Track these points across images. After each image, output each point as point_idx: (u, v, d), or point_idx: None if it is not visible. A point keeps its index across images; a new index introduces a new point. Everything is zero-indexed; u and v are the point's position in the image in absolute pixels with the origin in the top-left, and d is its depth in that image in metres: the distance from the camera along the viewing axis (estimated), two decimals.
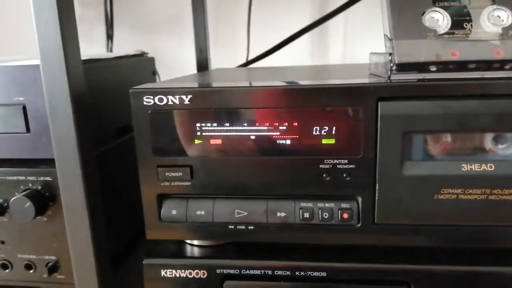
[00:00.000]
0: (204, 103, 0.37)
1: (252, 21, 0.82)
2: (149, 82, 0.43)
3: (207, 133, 0.37)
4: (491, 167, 0.35)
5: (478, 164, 0.35)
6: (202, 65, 0.79)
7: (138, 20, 0.89)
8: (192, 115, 0.37)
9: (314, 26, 0.75)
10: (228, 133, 0.37)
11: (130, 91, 0.38)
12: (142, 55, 0.70)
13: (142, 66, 0.68)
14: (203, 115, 0.37)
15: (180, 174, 0.38)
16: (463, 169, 0.35)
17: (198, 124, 0.37)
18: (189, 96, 0.36)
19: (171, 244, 0.43)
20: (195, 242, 0.43)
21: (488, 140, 0.36)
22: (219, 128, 0.37)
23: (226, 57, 0.87)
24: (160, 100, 0.37)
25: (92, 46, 0.93)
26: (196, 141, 0.38)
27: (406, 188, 0.36)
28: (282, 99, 0.36)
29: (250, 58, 0.81)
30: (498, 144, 0.36)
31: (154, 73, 0.70)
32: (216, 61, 0.84)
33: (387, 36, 0.39)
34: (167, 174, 0.38)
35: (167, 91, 0.37)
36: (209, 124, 0.37)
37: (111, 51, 0.93)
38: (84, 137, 0.40)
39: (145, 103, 0.37)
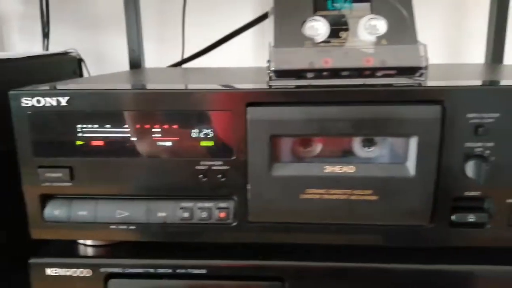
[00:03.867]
0: (81, 105, 0.37)
1: (192, 19, 0.83)
2: None
3: (86, 135, 0.38)
4: (351, 169, 0.37)
5: (340, 166, 0.38)
6: (135, 64, 0.79)
7: (80, 18, 0.89)
8: (70, 116, 0.38)
9: (253, 24, 0.77)
10: (108, 135, 0.38)
11: (9, 93, 0.38)
12: (65, 54, 0.70)
13: (63, 65, 0.68)
14: (82, 117, 0.38)
15: (60, 175, 0.39)
16: (325, 170, 0.38)
17: (77, 126, 0.38)
18: (66, 98, 0.37)
19: (60, 243, 0.44)
20: (87, 241, 0.44)
21: (349, 144, 0.38)
22: (99, 129, 0.38)
23: (168, 54, 0.87)
24: (38, 102, 0.38)
25: (33, 44, 0.91)
26: (76, 142, 0.38)
27: (275, 188, 0.38)
28: (158, 102, 0.38)
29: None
30: (361, 147, 0.38)
31: (75, 72, 0.70)
32: (161, 59, 0.84)
33: (270, 43, 0.41)
34: (47, 175, 0.39)
35: (44, 93, 0.37)
36: (89, 125, 0.38)
37: (47, 49, 0.92)
38: None
39: (23, 104, 0.38)
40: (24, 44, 0.93)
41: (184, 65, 0.83)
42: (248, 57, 0.86)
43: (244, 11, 0.83)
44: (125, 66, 0.79)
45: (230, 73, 0.58)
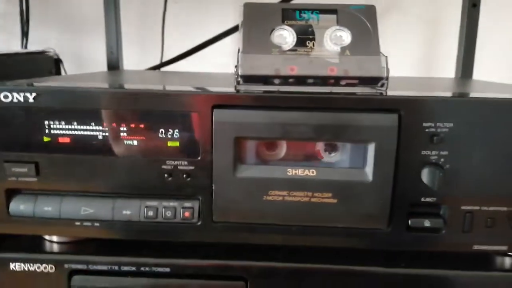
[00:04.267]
0: (48, 102, 0.38)
1: (173, 24, 0.84)
2: None
3: (54, 131, 0.39)
4: (313, 172, 0.39)
5: (302, 169, 0.39)
6: (113, 66, 0.79)
7: (61, 19, 0.89)
8: (37, 113, 0.38)
9: (227, 34, 0.79)
10: (75, 132, 0.39)
11: None
12: (42, 53, 0.70)
13: (39, 64, 0.68)
14: (49, 113, 0.38)
15: (26, 170, 0.39)
16: (288, 173, 0.39)
17: (44, 122, 0.38)
18: (33, 94, 0.38)
19: (25, 239, 0.44)
20: (54, 238, 0.44)
21: (312, 148, 0.40)
22: (66, 126, 0.39)
23: (148, 59, 0.88)
24: (6, 97, 0.38)
25: (12, 43, 0.91)
26: (43, 139, 0.39)
27: (239, 189, 0.39)
28: (126, 102, 0.38)
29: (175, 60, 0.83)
30: (323, 152, 0.40)
31: (51, 71, 0.70)
32: (141, 63, 0.85)
33: (239, 49, 0.42)
34: (13, 169, 0.39)
35: (11, 89, 0.38)
36: (56, 122, 0.39)
37: (25, 47, 0.91)
38: None
39: None
40: (3, 43, 0.93)
41: (163, 69, 0.84)
42: (228, 63, 0.87)
43: (225, 16, 0.85)
44: (104, 68, 0.79)
45: (204, 77, 0.59)
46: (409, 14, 0.84)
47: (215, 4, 0.86)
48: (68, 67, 0.83)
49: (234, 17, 0.85)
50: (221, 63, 0.85)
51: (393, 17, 0.83)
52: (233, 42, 0.82)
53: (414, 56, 0.86)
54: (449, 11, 0.80)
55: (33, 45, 0.87)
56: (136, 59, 0.88)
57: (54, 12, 0.89)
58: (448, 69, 0.79)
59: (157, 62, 0.85)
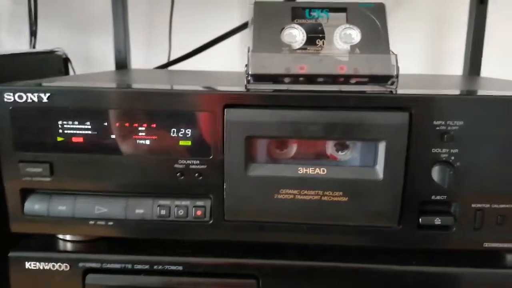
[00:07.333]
0: (62, 102, 0.38)
1: (180, 23, 0.85)
2: None
3: (67, 131, 0.39)
4: (323, 171, 0.39)
5: (313, 168, 0.39)
6: (121, 65, 0.80)
7: (70, 18, 0.89)
8: (51, 112, 0.39)
9: (235, 32, 0.79)
10: (89, 132, 0.39)
11: None
12: (51, 52, 0.71)
13: (48, 63, 0.69)
14: (62, 113, 0.39)
15: (40, 169, 0.40)
16: (299, 172, 0.39)
17: (57, 122, 0.39)
18: (47, 94, 0.38)
19: (40, 238, 0.44)
20: (68, 237, 0.45)
21: (323, 147, 0.40)
22: (79, 126, 0.39)
23: (155, 58, 0.88)
24: (20, 97, 0.38)
25: (21, 42, 0.91)
26: (57, 139, 0.39)
27: (250, 187, 0.39)
28: (138, 101, 0.39)
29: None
30: (333, 150, 0.40)
31: (60, 71, 0.71)
32: (149, 62, 0.86)
33: (249, 48, 0.42)
34: (27, 169, 0.40)
35: (26, 89, 0.38)
36: (70, 122, 0.39)
37: (34, 47, 0.92)
38: None
39: (5, 100, 0.39)
40: (12, 42, 0.93)
41: (170, 68, 0.84)
42: (236, 61, 0.87)
43: (231, 14, 0.85)
44: (112, 67, 0.80)
45: (213, 76, 0.60)
46: (417, 10, 0.84)
47: (221, 3, 0.87)
48: (76, 66, 0.84)
49: (240, 15, 0.85)
50: (228, 61, 0.86)
51: (401, 13, 0.83)
52: (240, 40, 0.82)
53: (422, 52, 0.86)
54: (458, 7, 0.79)
55: (41, 44, 0.88)
56: (143, 58, 0.89)
57: (62, 12, 0.90)
58: (456, 65, 0.79)
59: (165, 60, 0.85)
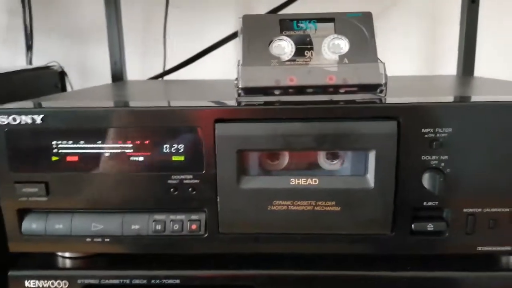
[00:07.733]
0: (55, 122, 0.39)
1: (175, 31, 0.86)
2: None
3: (62, 150, 0.40)
4: (315, 181, 0.39)
5: (305, 179, 0.39)
6: (117, 76, 0.81)
7: (65, 30, 0.90)
8: (45, 133, 0.39)
9: (227, 40, 0.79)
10: (82, 151, 0.40)
11: None
12: (46, 68, 0.71)
13: (45, 79, 0.69)
14: (56, 134, 0.39)
15: (36, 189, 0.40)
16: (291, 183, 0.39)
17: (52, 142, 0.40)
18: (41, 116, 0.39)
19: (38, 256, 0.45)
20: (66, 254, 0.45)
21: (314, 157, 0.40)
22: (74, 145, 0.40)
23: (151, 66, 0.89)
24: (14, 119, 0.39)
25: (17, 57, 0.92)
26: (51, 158, 0.40)
27: (243, 200, 0.40)
28: (130, 119, 0.39)
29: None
30: (324, 161, 0.40)
31: (57, 86, 0.71)
32: (144, 70, 0.87)
33: (239, 61, 0.43)
34: (23, 190, 0.40)
35: (20, 111, 0.39)
36: (64, 142, 0.40)
37: (30, 61, 0.93)
38: None
39: (0, 122, 0.39)
40: (8, 54, 0.94)
41: (166, 77, 0.85)
42: (232, 66, 0.88)
43: (226, 22, 0.86)
44: (107, 77, 0.80)
45: (206, 86, 0.60)
46: (410, 9, 0.84)
47: (215, 12, 0.87)
48: (73, 78, 0.85)
49: (234, 23, 0.85)
50: (225, 66, 0.86)
51: (393, 13, 0.84)
52: (234, 47, 0.82)
53: (415, 51, 0.86)
54: (451, 6, 0.80)
55: (38, 56, 0.88)
56: (139, 66, 0.89)
57: (57, 24, 0.90)
58: (450, 64, 0.79)
59: (160, 67, 0.86)
